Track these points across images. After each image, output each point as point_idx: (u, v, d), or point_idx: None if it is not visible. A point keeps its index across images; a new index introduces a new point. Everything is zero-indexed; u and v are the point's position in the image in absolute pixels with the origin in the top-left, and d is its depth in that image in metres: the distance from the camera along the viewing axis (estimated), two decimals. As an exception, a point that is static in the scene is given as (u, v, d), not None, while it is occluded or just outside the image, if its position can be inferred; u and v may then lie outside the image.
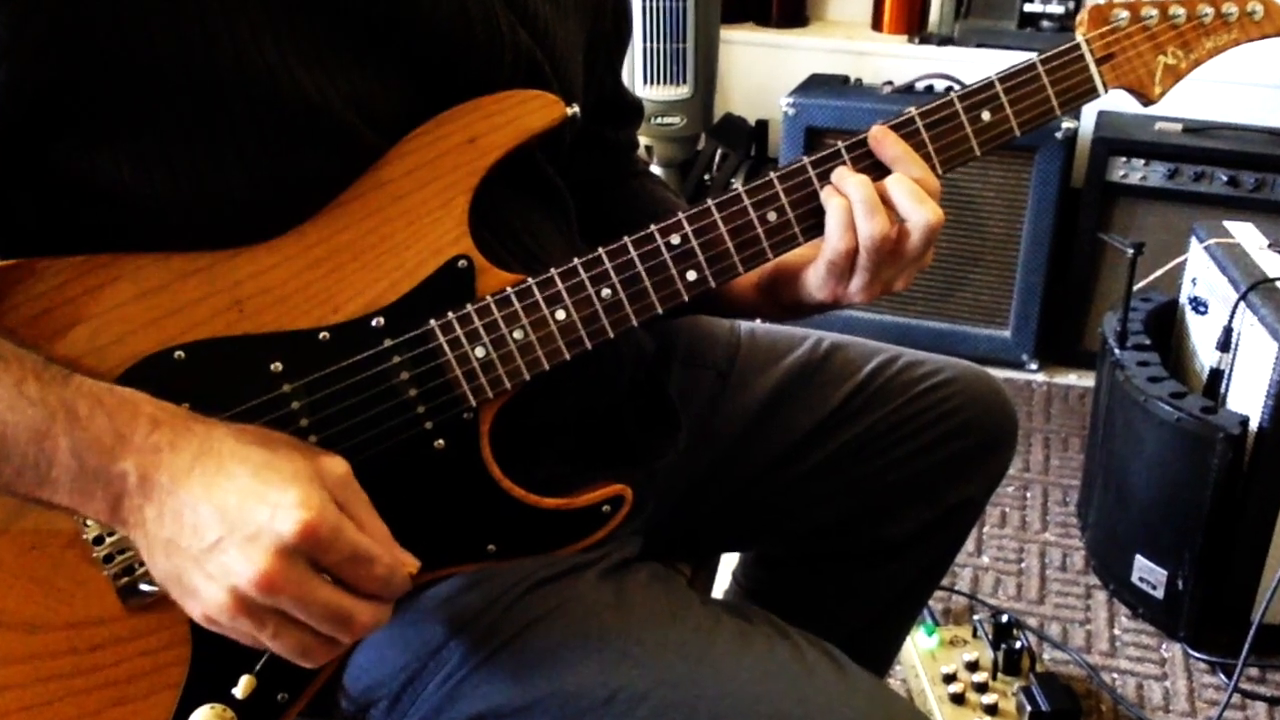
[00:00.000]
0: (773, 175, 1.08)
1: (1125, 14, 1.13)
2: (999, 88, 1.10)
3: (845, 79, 3.49)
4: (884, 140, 1.08)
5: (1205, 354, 2.34)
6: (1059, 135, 3.04)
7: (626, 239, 1.05)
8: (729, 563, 1.66)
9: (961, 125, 1.10)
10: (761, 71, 3.77)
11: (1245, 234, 2.42)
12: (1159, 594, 2.32)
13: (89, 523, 0.96)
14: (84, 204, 0.94)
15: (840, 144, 1.09)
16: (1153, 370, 2.30)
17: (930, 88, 3.30)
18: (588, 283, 1.04)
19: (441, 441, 1.02)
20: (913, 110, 1.09)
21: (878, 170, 1.09)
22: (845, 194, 1.08)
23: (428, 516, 1.03)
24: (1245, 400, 2.18)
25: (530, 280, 1.03)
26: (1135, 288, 2.45)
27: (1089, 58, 1.12)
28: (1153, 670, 2.27)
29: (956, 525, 1.50)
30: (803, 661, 1.08)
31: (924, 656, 2.16)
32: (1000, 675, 2.11)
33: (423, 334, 1.01)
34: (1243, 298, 2.19)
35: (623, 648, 1.05)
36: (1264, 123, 3.14)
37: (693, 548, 1.47)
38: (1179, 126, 3.09)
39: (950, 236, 3.25)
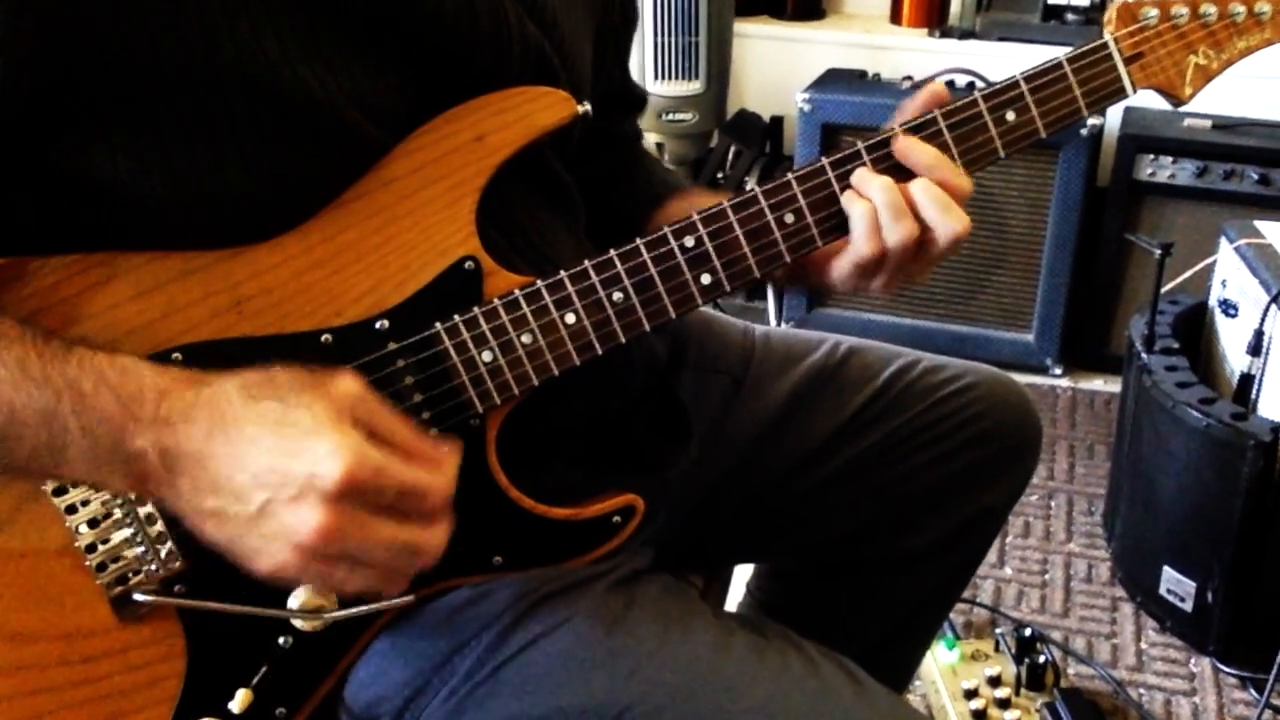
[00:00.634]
0: (790, 176, 1.08)
1: (1155, 12, 1.12)
2: (1024, 87, 1.10)
3: (863, 74, 3.49)
4: (911, 150, 1.08)
5: (1235, 358, 2.33)
6: (1084, 132, 3.03)
7: (639, 240, 1.05)
8: (742, 575, 1.65)
9: (986, 126, 1.10)
10: (776, 66, 3.77)
11: (1277, 234, 2.41)
12: (1188, 606, 2.31)
13: (81, 530, 0.97)
14: (83, 203, 0.94)
15: (860, 144, 1.09)
16: (1181, 375, 2.30)
17: (951, 83, 3.28)
18: (599, 285, 1.04)
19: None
20: (935, 110, 1.09)
21: (900, 171, 1.09)
22: (869, 198, 1.07)
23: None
24: (1277, 406, 2.18)
25: (539, 282, 1.03)
26: (1163, 290, 2.44)
27: (1117, 57, 1.12)
28: (1181, 686, 2.26)
29: (978, 536, 1.50)
30: (818, 676, 1.08)
31: (944, 671, 2.16)
32: (1023, 691, 2.11)
33: (428, 337, 1.01)
34: (1275, 300, 2.18)
35: (633, 663, 1.05)
36: (1296, 119, 3.13)
37: (705, 559, 1.47)
38: (1208, 123, 3.08)
39: (972, 237, 3.18)
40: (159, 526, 0.97)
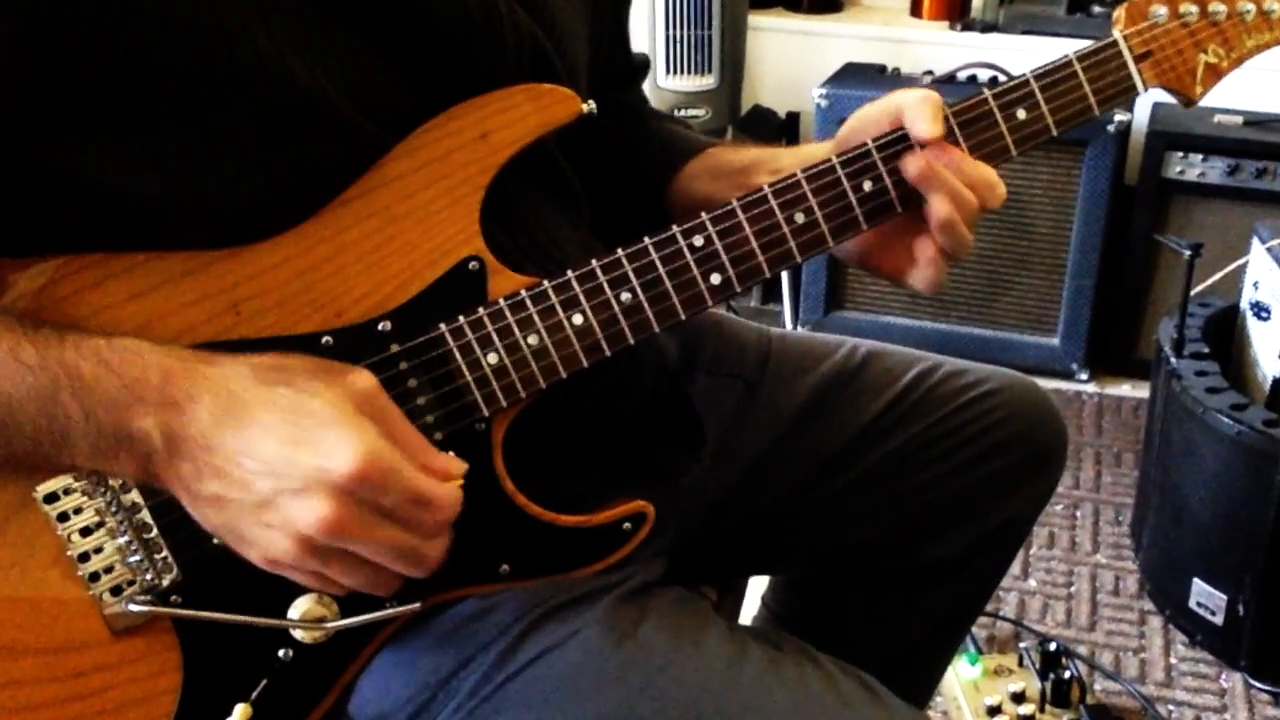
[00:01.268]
0: (800, 175, 1.08)
1: (1164, 10, 1.14)
2: (1034, 85, 1.12)
3: (882, 68, 3.48)
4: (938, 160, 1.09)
5: (1268, 363, 2.33)
6: (1111, 129, 3.02)
7: (647, 240, 1.05)
8: (757, 587, 1.65)
9: (996, 123, 1.11)
10: (792, 61, 3.77)
11: (1311, 234, 2.41)
12: (1218, 620, 2.31)
13: (73, 538, 0.97)
14: (75, 203, 0.95)
15: (870, 142, 1.10)
16: (1212, 380, 2.30)
17: (973, 78, 3.28)
18: (606, 286, 1.04)
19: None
20: (946, 109, 1.10)
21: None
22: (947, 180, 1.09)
23: (438, 534, 1.03)
24: (1312, 412, 2.17)
25: (545, 283, 1.03)
26: (1193, 292, 2.44)
27: (1127, 55, 1.14)
28: (1212, 702, 2.26)
29: (1001, 546, 1.49)
30: (837, 692, 1.08)
31: (966, 687, 2.16)
32: (1048, 707, 2.11)
33: (432, 339, 1.01)
34: (1309, 303, 2.18)
35: (644, 677, 1.05)
36: (1331, 115, 3.12)
37: (719, 570, 1.47)
38: (1240, 119, 3.07)
39: (995, 237, 3.24)
40: (154, 534, 0.97)
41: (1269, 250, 2.39)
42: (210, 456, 0.89)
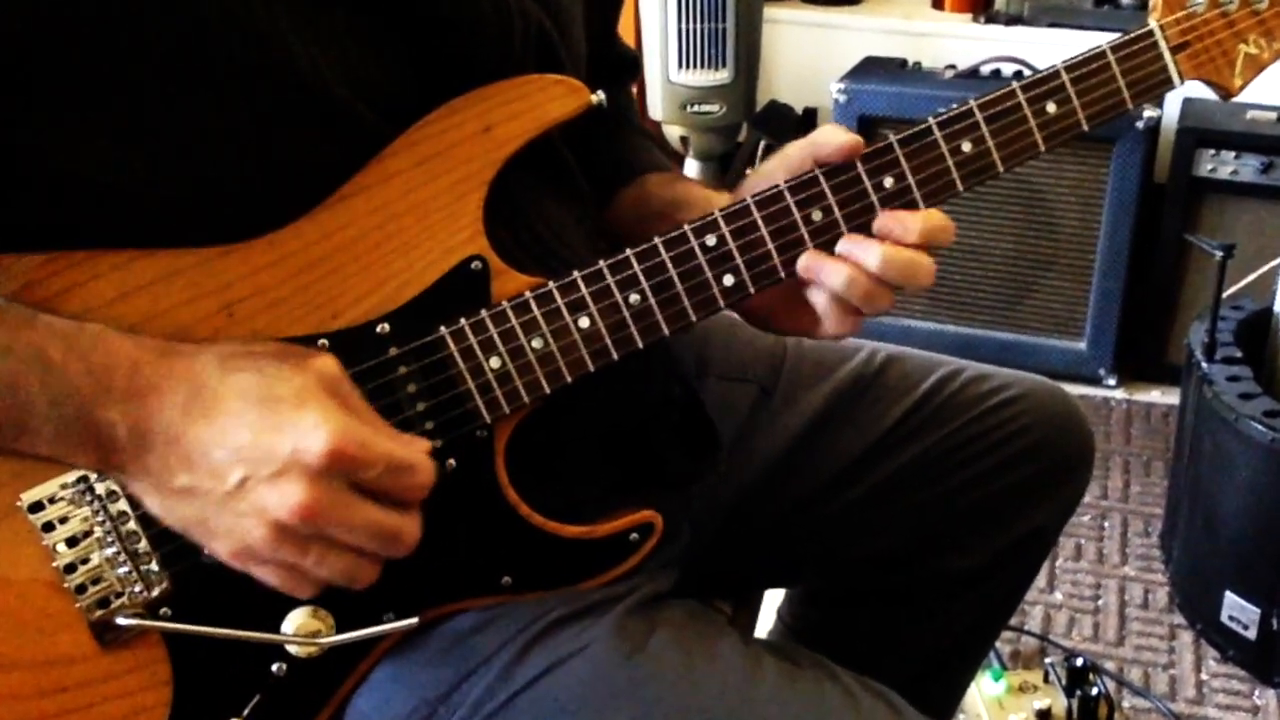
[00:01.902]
0: (817, 170, 1.07)
1: None
2: (1065, 77, 1.10)
3: (903, 62, 3.48)
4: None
5: (1304, 368, 2.32)
6: (1140, 125, 3.02)
7: (657, 239, 1.04)
8: (773, 600, 1.65)
9: (1025, 118, 1.10)
10: (810, 54, 3.77)
11: (1349, 235, 2.40)
12: (1251, 634, 2.30)
13: (59, 549, 0.96)
14: (55, 192, 0.94)
15: (893, 136, 1.08)
16: (1245, 386, 2.29)
17: (997, 72, 3.28)
18: (614, 287, 1.03)
19: (453, 461, 1.02)
20: (971, 101, 1.09)
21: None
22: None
23: (437, 544, 1.02)
24: (1349, 420, 2.17)
25: (550, 284, 1.02)
26: (1225, 294, 2.43)
27: (1163, 45, 1.12)
28: (1245, 720, 2.25)
29: (1026, 558, 1.49)
30: (856, 708, 1.07)
31: (990, 704, 2.15)
32: (1074, 725, 2.10)
33: (432, 342, 1.00)
34: (1346, 306, 2.17)
35: (655, 693, 1.05)
36: (1369, 111, 3.11)
37: (732, 583, 1.47)
38: (1274, 115, 3.06)
39: (1019, 237, 3.24)
40: (143, 545, 0.97)
41: (1305, 251, 2.38)
42: (177, 449, 0.89)
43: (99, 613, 0.98)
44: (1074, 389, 2.77)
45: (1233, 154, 3.02)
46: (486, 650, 1.06)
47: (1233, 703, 2.29)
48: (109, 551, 0.97)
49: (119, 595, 0.97)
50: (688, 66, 3.48)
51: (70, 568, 0.97)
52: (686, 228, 1.05)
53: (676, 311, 1.05)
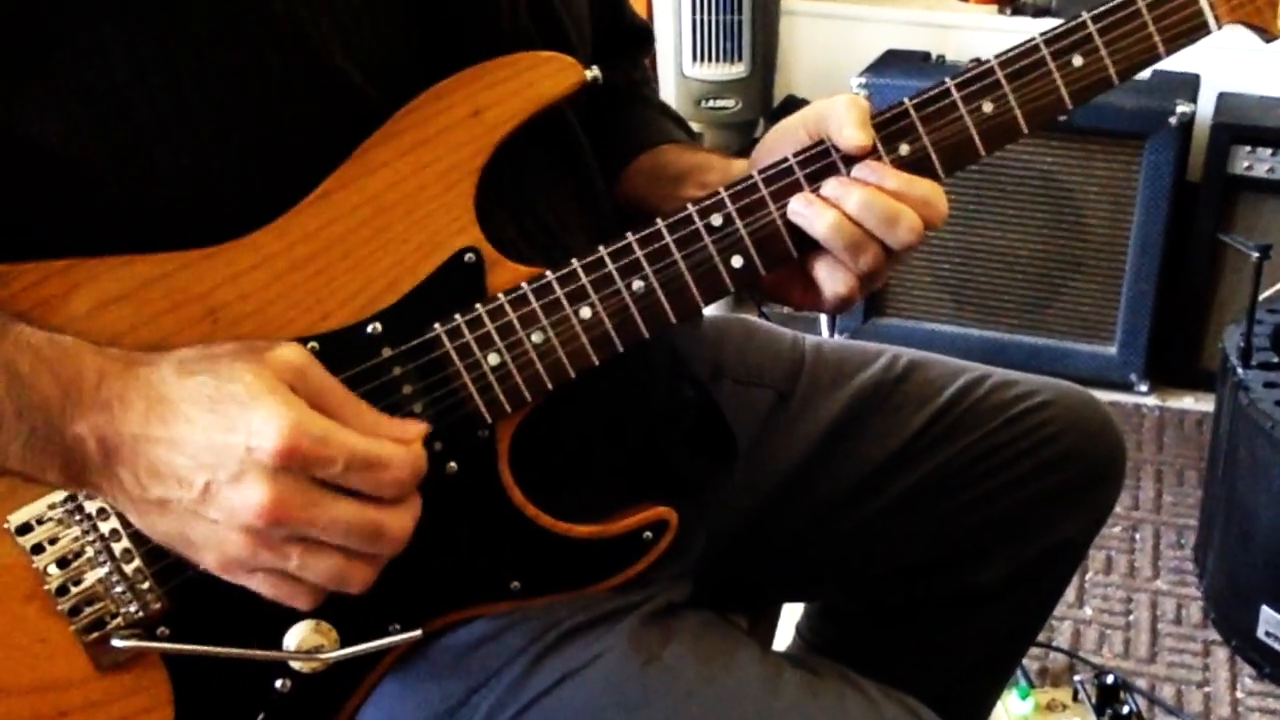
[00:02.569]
0: (829, 143, 1.06)
1: None
2: (1092, 27, 1.08)
3: (926, 56, 3.48)
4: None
5: (1343, 374, 2.32)
6: (1173, 121, 3.00)
7: (660, 222, 1.04)
8: (792, 615, 1.65)
9: (1049, 72, 1.08)
10: (829, 47, 3.77)
11: (1390, 235, 2.40)
12: (1289, 652, 2.30)
13: (50, 570, 0.96)
14: (12, 181, 0.94)
15: (908, 101, 1.07)
16: (1282, 392, 2.29)
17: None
18: (616, 274, 1.03)
19: (454, 464, 1.02)
20: (992, 59, 1.08)
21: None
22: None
23: (441, 550, 1.03)
24: (1390, 428, 2.16)
25: (549, 274, 1.02)
26: (1261, 297, 2.43)
27: None
28: (1282, 740, 2.25)
29: (1054, 571, 1.49)
30: (879, 718, 1.07)
31: (1016, 723, 2.15)
32: (1105, 745, 2.10)
33: (427, 341, 1.00)
34: (1387, 309, 2.17)
35: (671, 705, 1.05)
36: None
37: (749, 596, 1.47)
38: (1313, 111, 3.07)
39: (1047, 238, 3.23)
40: (136, 563, 0.97)
41: (1344, 252, 2.38)
42: (143, 460, 0.89)
43: (94, 634, 0.98)
44: (1104, 395, 2.77)
45: (1269, 151, 3.01)
46: (497, 662, 1.06)
47: (1269, 722, 2.29)
48: (101, 571, 0.97)
49: (114, 616, 0.97)
50: (702, 60, 3.48)
51: (63, 590, 0.97)
52: (691, 208, 1.04)
53: (683, 298, 1.05)
